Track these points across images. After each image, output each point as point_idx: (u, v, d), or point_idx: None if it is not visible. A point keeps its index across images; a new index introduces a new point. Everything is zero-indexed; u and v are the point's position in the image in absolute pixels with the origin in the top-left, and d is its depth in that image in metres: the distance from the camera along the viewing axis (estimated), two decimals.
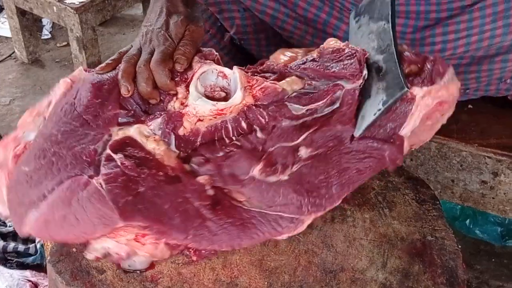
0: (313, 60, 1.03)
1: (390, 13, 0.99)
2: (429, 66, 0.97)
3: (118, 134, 0.97)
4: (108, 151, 0.94)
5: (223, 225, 0.93)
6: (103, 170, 0.92)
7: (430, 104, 0.96)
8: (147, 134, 0.98)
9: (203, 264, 0.99)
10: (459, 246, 1.05)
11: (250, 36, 1.58)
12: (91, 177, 0.92)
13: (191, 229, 0.92)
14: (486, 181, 1.50)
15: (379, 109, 0.93)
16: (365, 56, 0.99)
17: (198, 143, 0.98)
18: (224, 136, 0.98)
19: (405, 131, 0.97)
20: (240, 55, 1.62)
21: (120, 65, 1.05)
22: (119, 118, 1.00)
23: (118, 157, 0.93)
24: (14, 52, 2.96)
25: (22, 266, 1.72)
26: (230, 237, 0.93)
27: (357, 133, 0.96)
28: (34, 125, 1.03)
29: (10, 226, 1.82)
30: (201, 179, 0.95)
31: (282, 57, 1.09)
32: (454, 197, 1.57)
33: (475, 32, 1.37)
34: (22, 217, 0.93)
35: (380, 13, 1.01)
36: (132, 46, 1.10)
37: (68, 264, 0.98)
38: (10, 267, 1.70)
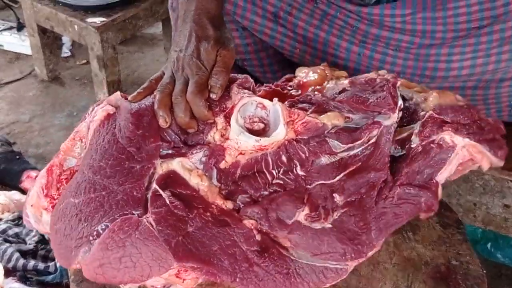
0: (346, 90, 1.04)
1: None
2: (480, 123, 0.99)
3: (162, 167, 0.98)
4: (155, 186, 0.94)
5: (270, 272, 0.93)
6: (151, 209, 0.92)
7: (466, 157, 0.97)
8: (190, 168, 0.98)
9: None
10: (484, 271, 1.04)
11: (252, 56, 1.58)
12: (140, 215, 0.92)
13: (239, 272, 0.92)
14: (509, 205, 1.49)
15: None
16: (397, 85, 1.00)
17: (238, 175, 0.99)
18: (264, 169, 0.98)
19: (441, 177, 0.98)
20: None
21: (155, 94, 1.04)
22: (161, 150, 1.00)
23: (166, 195, 0.93)
24: (34, 69, 2.98)
25: (41, 285, 1.71)
26: (275, 284, 0.93)
27: None
28: (75, 151, 1.04)
29: (30, 244, 1.82)
30: (248, 223, 0.95)
31: (311, 74, 1.08)
32: (476, 220, 1.56)
33: (480, 55, 1.37)
34: (71, 251, 0.92)
35: None
36: (163, 73, 1.09)
37: (92, 284, 0.98)
38: (30, 285, 1.69)
